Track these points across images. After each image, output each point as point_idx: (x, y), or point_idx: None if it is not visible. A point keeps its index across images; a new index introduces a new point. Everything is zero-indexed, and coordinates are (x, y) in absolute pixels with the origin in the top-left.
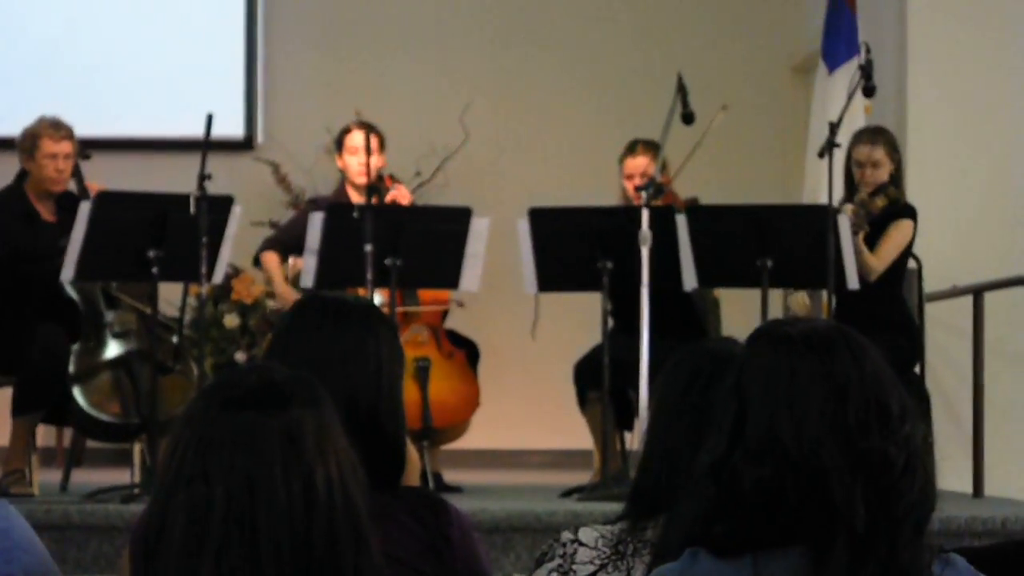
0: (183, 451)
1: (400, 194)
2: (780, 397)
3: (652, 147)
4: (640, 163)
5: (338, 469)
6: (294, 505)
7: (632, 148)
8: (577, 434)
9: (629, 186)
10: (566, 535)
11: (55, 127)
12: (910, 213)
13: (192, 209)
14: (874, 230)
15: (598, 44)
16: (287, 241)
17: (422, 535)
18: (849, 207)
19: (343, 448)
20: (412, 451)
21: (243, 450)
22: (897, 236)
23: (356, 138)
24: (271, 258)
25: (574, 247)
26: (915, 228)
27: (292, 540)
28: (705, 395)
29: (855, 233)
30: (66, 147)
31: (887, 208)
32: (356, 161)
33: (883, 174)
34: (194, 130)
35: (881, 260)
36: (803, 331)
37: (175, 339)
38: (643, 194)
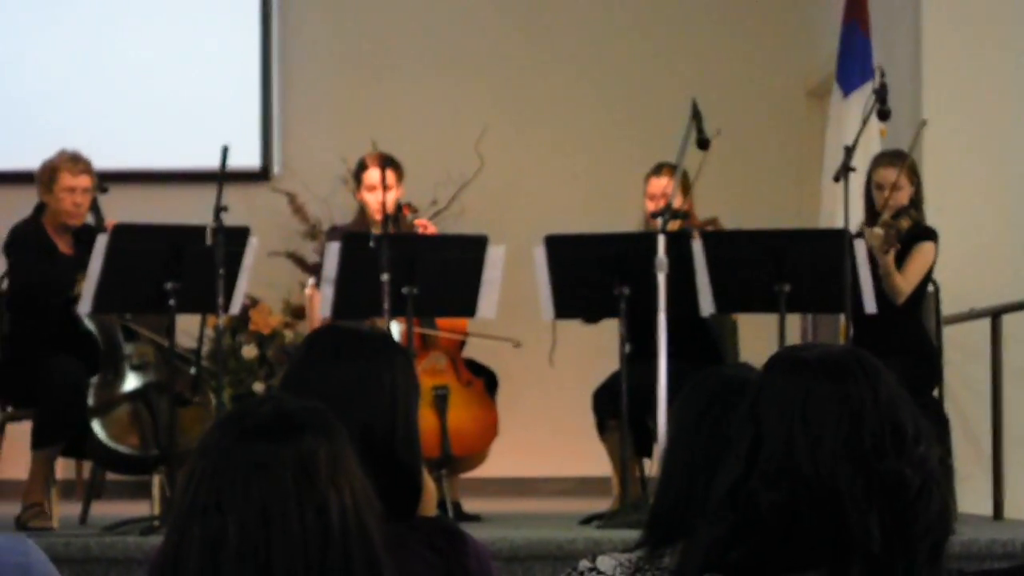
0: (197, 482)
1: (424, 226)
2: (795, 421)
3: (676, 171)
4: (661, 185)
5: (352, 499)
6: (308, 535)
7: (658, 169)
8: (596, 461)
9: (651, 206)
10: (584, 563)
11: (74, 161)
12: (932, 236)
13: (209, 241)
14: (897, 253)
15: (613, 69)
16: None
17: (439, 566)
18: (876, 230)
19: (357, 478)
20: (429, 481)
21: (257, 481)
22: (921, 258)
23: (373, 175)
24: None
25: (591, 274)
26: (937, 251)
27: (307, 571)
28: (721, 421)
29: (885, 252)
30: (84, 181)
31: (910, 230)
32: (374, 198)
33: (903, 197)
34: (210, 162)
35: (908, 282)
36: (818, 355)
37: (193, 371)
38: (659, 220)
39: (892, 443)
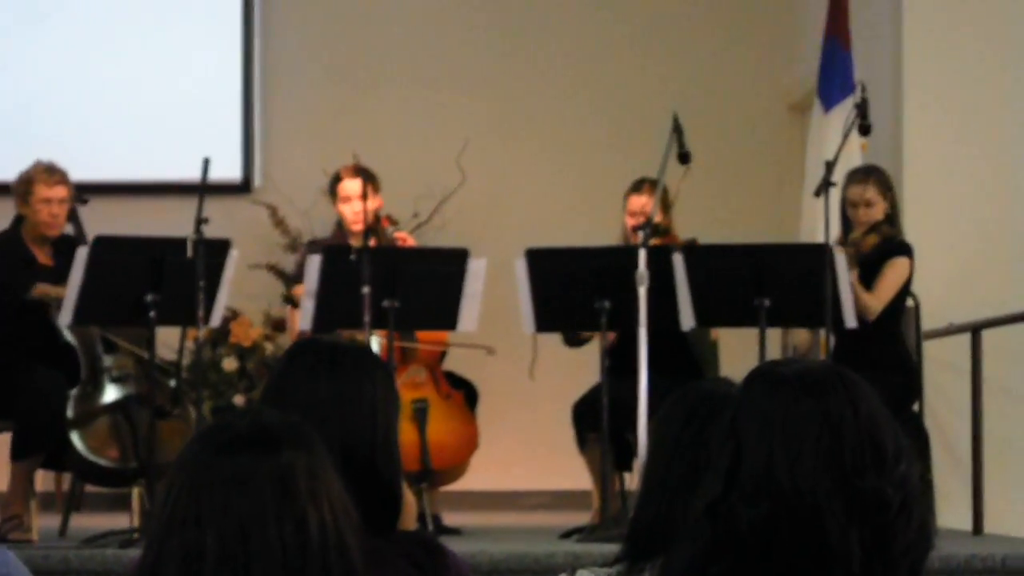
0: (176, 495)
1: (404, 239)
2: (775, 437)
3: (657, 186)
4: (641, 201)
5: (331, 512)
6: (287, 549)
7: (638, 186)
8: (576, 475)
9: (631, 223)
10: None
11: (49, 172)
12: (906, 251)
13: (189, 253)
14: (870, 269)
15: (594, 83)
16: None
17: None
18: (840, 248)
19: (336, 491)
20: (409, 495)
21: (236, 494)
22: (893, 274)
23: (348, 186)
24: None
25: (572, 287)
26: (912, 266)
27: None
28: (701, 436)
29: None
30: (60, 192)
31: (881, 246)
32: (350, 210)
33: (877, 213)
34: (192, 174)
35: (879, 299)
36: (798, 371)
37: (173, 383)
38: (640, 234)
39: (872, 460)
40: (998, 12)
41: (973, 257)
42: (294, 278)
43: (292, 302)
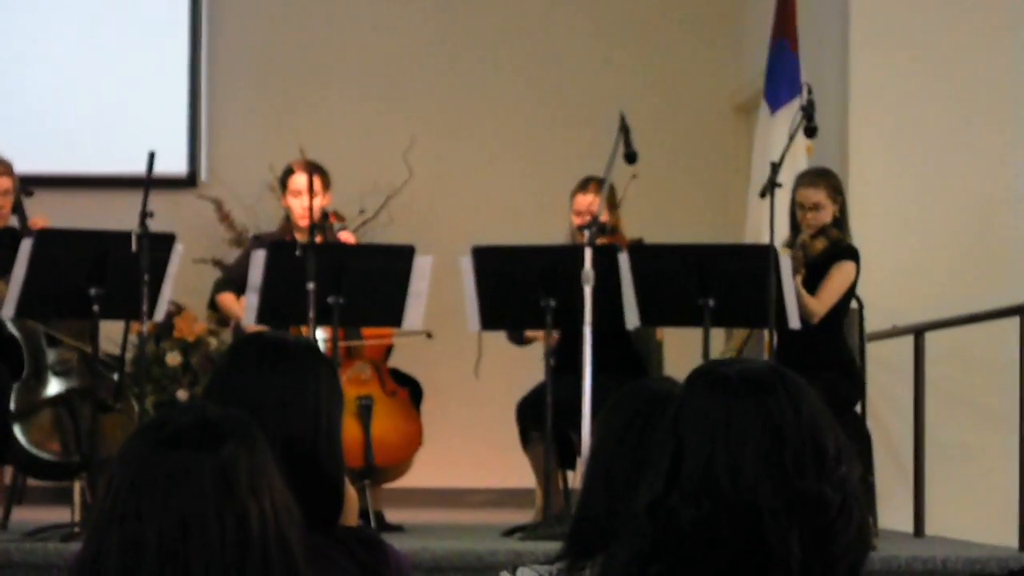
0: (116, 490)
1: (346, 237)
2: (716, 438)
3: (604, 185)
4: (587, 200)
5: (272, 508)
6: (227, 544)
7: (584, 185)
8: (519, 473)
9: (577, 222)
10: (504, 575)
11: None
12: (852, 255)
13: (134, 247)
14: (817, 272)
15: (542, 82)
16: (238, 280)
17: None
18: (787, 251)
19: (277, 487)
20: (351, 491)
21: (176, 489)
22: (838, 278)
23: (299, 180)
24: (229, 298)
25: (517, 285)
26: (858, 270)
27: None
28: (643, 435)
29: (792, 276)
30: (4, 183)
31: (828, 250)
32: (299, 204)
33: (825, 216)
34: (137, 167)
35: (823, 303)
36: (740, 371)
37: (116, 377)
38: (586, 233)
39: (813, 461)
40: (944, 16)
41: (917, 259)
42: (229, 272)
43: (214, 307)
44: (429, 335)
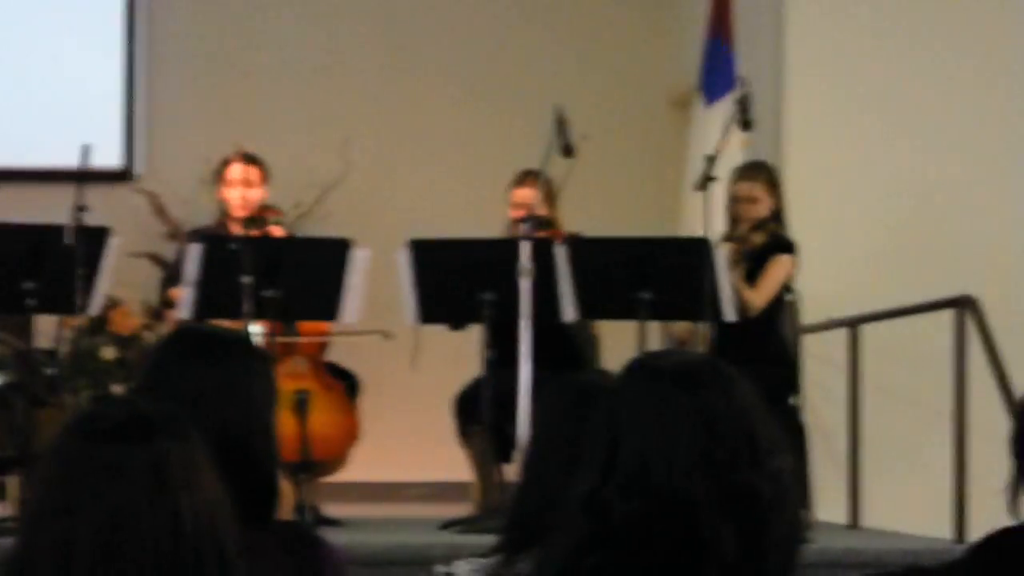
0: (48, 484)
1: (276, 233)
2: (650, 430)
3: (541, 179)
4: (525, 194)
5: (205, 502)
6: (160, 538)
7: (521, 178)
8: (457, 466)
9: (514, 215)
10: (439, 568)
11: None
12: (789, 248)
13: (68, 240)
14: (755, 265)
15: (478, 76)
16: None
17: (293, 570)
18: (727, 244)
19: (210, 481)
20: (285, 485)
21: (108, 482)
22: (776, 271)
23: (236, 171)
24: (180, 292)
25: (455, 279)
26: (795, 263)
27: (158, 573)
28: (579, 427)
29: (732, 269)
30: None
31: (766, 243)
32: (236, 194)
33: (762, 209)
34: (71, 160)
35: (761, 296)
36: (674, 364)
37: (50, 371)
38: (524, 226)
39: (746, 454)
40: (878, 10)
41: (853, 253)
42: (173, 269)
43: (168, 304)
44: (388, 335)
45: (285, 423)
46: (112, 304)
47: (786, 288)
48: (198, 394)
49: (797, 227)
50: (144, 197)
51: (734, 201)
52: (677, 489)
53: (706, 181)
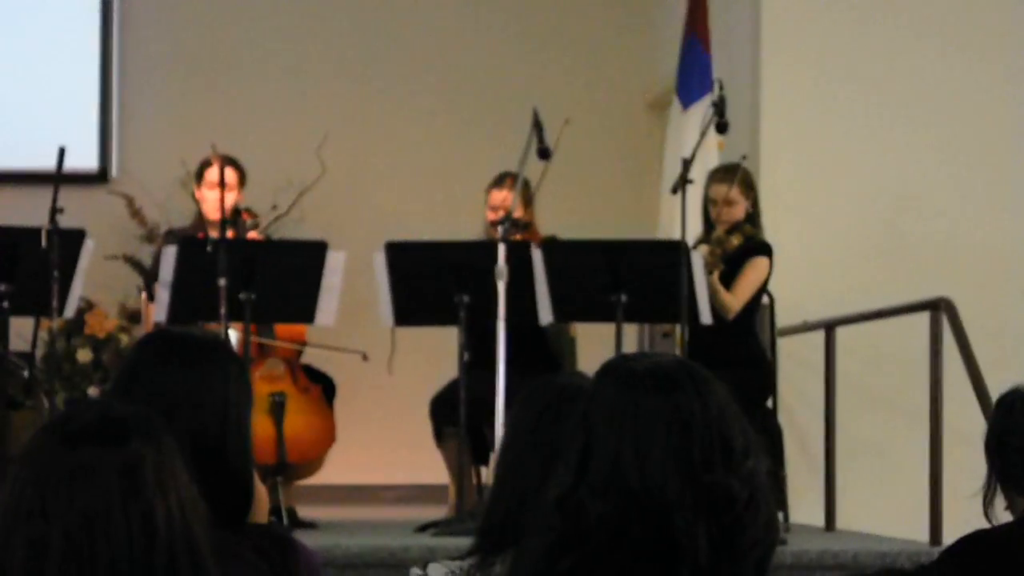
0: (21, 487)
1: (251, 236)
2: (624, 432)
3: (518, 181)
4: (501, 196)
5: (179, 505)
6: (134, 541)
7: (498, 181)
8: (433, 469)
9: (491, 217)
10: (415, 571)
11: None
12: (766, 251)
13: (43, 243)
14: (731, 268)
15: (455, 78)
16: None
17: (268, 573)
18: (704, 247)
19: (184, 484)
20: (260, 488)
21: (81, 486)
22: (752, 274)
23: (215, 173)
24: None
25: (431, 281)
26: (771, 265)
27: None
28: (554, 429)
29: (710, 272)
30: None
31: (743, 246)
32: (213, 196)
33: (738, 212)
34: (47, 163)
35: (738, 298)
36: (648, 366)
37: (26, 374)
38: (500, 229)
39: (721, 456)
40: (854, 14)
41: (828, 255)
42: (152, 271)
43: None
44: (365, 357)
45: (262, 426)
46: (88, 306)
47: (763, 291)
48: (173, 397)
49: (773, 229)
50: (119, 199)
51: (710, 203)
52: (651, 490)
53: (682, 184)
